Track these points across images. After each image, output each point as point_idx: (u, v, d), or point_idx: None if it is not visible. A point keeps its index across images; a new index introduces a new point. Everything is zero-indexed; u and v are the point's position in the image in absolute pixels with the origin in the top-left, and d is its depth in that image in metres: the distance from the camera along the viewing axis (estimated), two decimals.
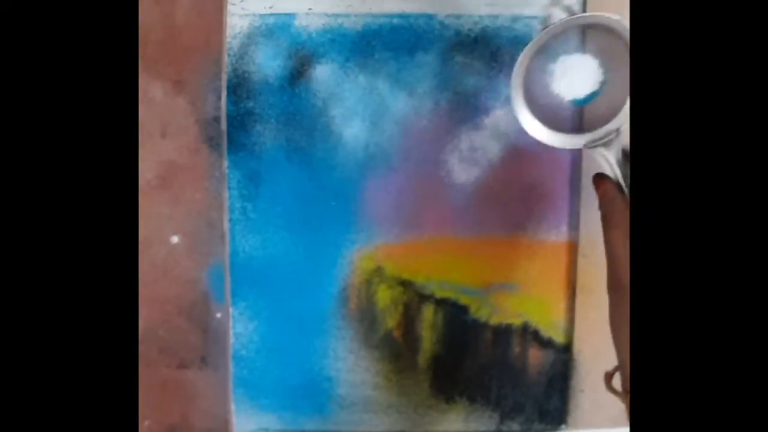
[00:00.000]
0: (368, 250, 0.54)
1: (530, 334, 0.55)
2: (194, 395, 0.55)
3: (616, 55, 0.46)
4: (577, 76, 0.48)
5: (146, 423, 0.54)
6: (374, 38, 0.52)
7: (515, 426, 0.56)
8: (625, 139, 0.45)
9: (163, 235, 0.53)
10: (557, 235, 0.54)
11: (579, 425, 0.56)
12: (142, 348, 0.53)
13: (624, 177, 0.45)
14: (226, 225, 0.53)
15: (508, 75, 0.52)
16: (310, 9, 0.51)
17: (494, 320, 0.55)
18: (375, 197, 0.53)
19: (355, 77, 0.52)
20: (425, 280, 0.54)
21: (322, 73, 0.52)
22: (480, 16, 0.52)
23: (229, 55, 0.52)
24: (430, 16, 0.52)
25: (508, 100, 0.52)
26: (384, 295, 0.54)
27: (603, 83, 0.47)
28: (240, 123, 0.52)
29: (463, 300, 0.54)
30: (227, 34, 0.52)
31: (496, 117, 0.52)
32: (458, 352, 0.55)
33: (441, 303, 0.54)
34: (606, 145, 0.46)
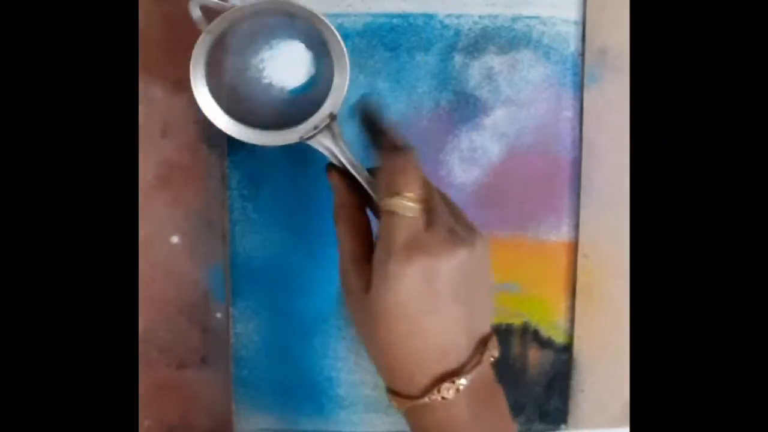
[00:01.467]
0: None
1: (530, 334, 0.55)
2: (194, 395, 0.55)
3: (317, 41, 0.44)
4: (289, 64, 0.45)
5: (146, 423, 0.54)
6: (374, 38, 0.52)
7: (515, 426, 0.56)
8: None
9: (163, 235, 0.53)
10: (557, 235, 0.54)
11: (579, 425, 0.56)
12: (142, 348, 0.53)
13: (349, 162, 0.43)
14: (227, 225, 0.53)
15: (508, 75, 0.52)
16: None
17: (494, 320, 0.54)
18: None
19: (355, 77, 0.52)
20: None
21: None
22: (480, 16, 0.52)
23: None
24: (430, 16, 0.52)
25: (508, 101, 0.52)
26: None
27: (312, 72, 0.46)
28: None
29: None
30: None
31: (496, 117, 0.52)
32: None
33: None
34: (323, 132, 0.44)
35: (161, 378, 0.54)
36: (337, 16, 0.51)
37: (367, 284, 0.40)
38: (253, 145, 0.52)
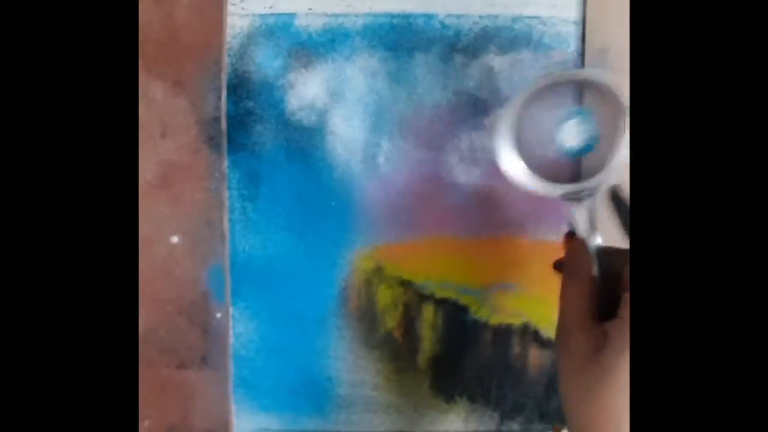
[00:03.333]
0: (368, 250, 0.54)
1: (530, 334, 0.55)
2: (194, 395, 0.55)
3: (609, 112, 0.46)
4: (575, 128, 0.48)
5: (146, 423, 0.54)
6: (374, 38, 0.52)
7: (515, 426, 0.56)
8: (600, 200, 0.45)
9: (163, 235, 0.53)
10: (557, 235, 0.54)
11: None
12: (142, 348, 0.53)
13: (588, 236, 0.45)
14: (226, 225, 0.53)
15: (509, 75, 0.52)
16: (310, 9, 0.51)
17: (494, 320, 0.55)
18: (375, 197, 0.53)
19: (355, 77, 0.52)
20: (425, 280, 0.54)
21: (322, 73, 0.52)
22: (480, 16, 0.52)
23: (229, 55, 0.52)
24: (430, 16, 0.52)
25: (508, 101, 0.52)
26: (384, 295, 0.54)
27: (595, 139, 0.47)
28: (240, 123, 0.52)
29: (463, 300, 0.54)
30: (227, 34, 0.52)
31: (496, 117, 0.52)
32: (458, 352, 0.55)
33: (441, 303, 0.54)
34: (579, 200, 0.46)
35: (161, 378, 0.54)
36: (336, 15, 0.51)
37: (596, 346, 0.41)
38: (253, 145, 0.52)
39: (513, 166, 0.47)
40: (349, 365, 0.55)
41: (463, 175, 0.53)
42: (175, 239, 0.53)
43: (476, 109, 0.52)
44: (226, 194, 0.53)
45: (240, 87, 0.52)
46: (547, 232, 0.54)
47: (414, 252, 0.54)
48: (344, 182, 0.53)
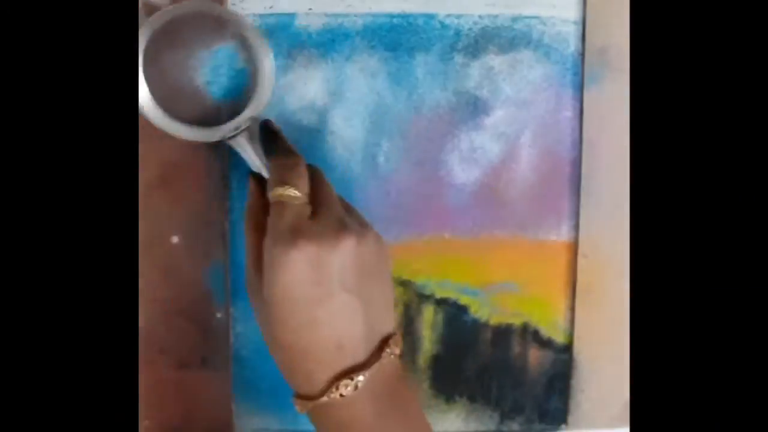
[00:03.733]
0: None
1: (530, 334, 0.55)
2: (194, 395, 0.55)
3: (247, 43, 0.47)
4: (220, 67, 0.49)
5: (146, 423, 0.54)
6: (374, 38, 0.52)
7: (515, 426, 0.56)
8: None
9: (164, 235, 0.53)
10: (557, 234, 0.54)
11: (579, 425, 0.56)
12: (142, 348, 0.53)
13: (261, 164, 0.46)
14: (227, 225, 0.53)
15: (508, 75, 0.52)
16: (310, 9, 0.51)
17: (494, 320, 0.55)
18: (374, 197, 0.53)
19: (355, 77, 0.52)
20: (425, 280, 0.54)
21: (322, 73, 0.52)
22: (480, 16, 0.52)
23: None
24: (430, 16, 0.52)
25: (508, 101, 0.52)
26: None
27: (239, 72, 0.49)
28: None
29: (463, 300, 0.54)
30: None
31: (496, 117, 0.53)
32: (458, 352, 0.55)
33: (441, 303, 0.54)
34: (242, 135, 0.47)
35: (161, 378, 0.54)
36: (336, 15, 0.51)
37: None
38: None
39: (156, 116, 0.47)
40: None
41: (463, 175, 0.53)
42: (175, 239, 0.53)
43: (476, 109, 0.52)
44: (226, 194, 0.53)
45: None
46: (548, 232, 0.54)
47: (414, 252, 0.54)
48: (344, 182, 0.53)
